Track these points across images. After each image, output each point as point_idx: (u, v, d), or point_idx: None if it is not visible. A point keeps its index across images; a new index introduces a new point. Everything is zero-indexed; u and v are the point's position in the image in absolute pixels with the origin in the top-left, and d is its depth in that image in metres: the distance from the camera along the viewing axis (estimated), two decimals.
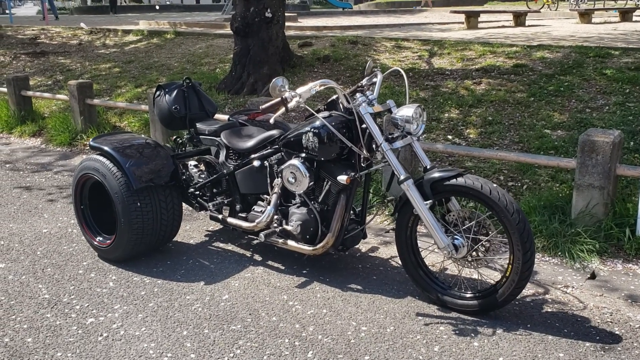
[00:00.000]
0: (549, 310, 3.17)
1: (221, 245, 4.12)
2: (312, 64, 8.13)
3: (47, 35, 13.12)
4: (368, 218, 3.66)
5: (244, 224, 3.73)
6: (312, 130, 3.30)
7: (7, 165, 6.29)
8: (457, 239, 3.09)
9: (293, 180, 3.40)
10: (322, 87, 3.21)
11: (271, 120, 3.27)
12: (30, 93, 7.74)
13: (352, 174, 3.24)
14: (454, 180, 3.03)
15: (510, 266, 2.98)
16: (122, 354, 2.82)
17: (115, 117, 7.42)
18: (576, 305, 3.22)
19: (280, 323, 3.07)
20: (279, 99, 3.12)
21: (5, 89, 7.90)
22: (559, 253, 3.78)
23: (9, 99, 7.90)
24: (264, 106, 3.19)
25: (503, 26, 13.18)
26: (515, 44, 8.44)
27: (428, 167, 3.26)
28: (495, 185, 2.98)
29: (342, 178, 3.23)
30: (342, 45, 9.18)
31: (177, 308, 3.24)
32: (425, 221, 3.07)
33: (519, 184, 4.65)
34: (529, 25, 13.28)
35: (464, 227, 3.08)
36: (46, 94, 7.67)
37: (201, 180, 4.04)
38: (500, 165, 4.90)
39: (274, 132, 3.73)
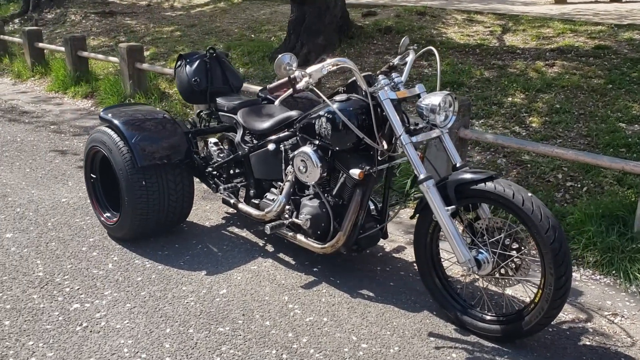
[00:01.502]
0: (588, 343, 2.67)
1: (236, 230, 3.83)
2: (372, 35, 7.63)
3: None
4: (390, 216, 3.24)
5: (254, 212, 3.42)
6: (325, 115, 2.91)
7: (52, 127, 6.27)
8: (481, 252, 2.64)
9: (304, 170, 3.03)
10: (336, 67, 2.80)
11: (276, 103, 2.91)
12: (85, 54, 7.71)
13: (367, 167, 2.84)
14: (482, 184, 2.56)
15: (540, 291, 2.51)
16: (95, 349, 2.59)
17: (165, 83, 7.26)
18: (623, 340, 2.71)
19: (273, 329, 2.75)
20: (286, 78, 2.74)
21: (63, 49, 7.91)
22: (613, 272, 3.23)
23: (66, 59, 7.92)
24: (270, 86, 2.82)
25: (597, 1, 12.02)
26: (602, 22, 7.58)
27: (458, 165, 2.81)
28: (530, 194, 2.49)
29: (355, 172, 2.83)
30: (408, 16, 8.59)
31: (168, 300, 2.99)
32: (444, 230, 2.63)
33: (579, 185, 4.07)
34: (627, 1, 12.05)
35: (491, 240, 2.62)
36: (100, 56, 7.61)
37: (220, 159, 3.75)
38: (560, 162, 4.31)
39: (293, 113, 3.37)
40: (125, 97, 6.94)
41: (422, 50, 3.13)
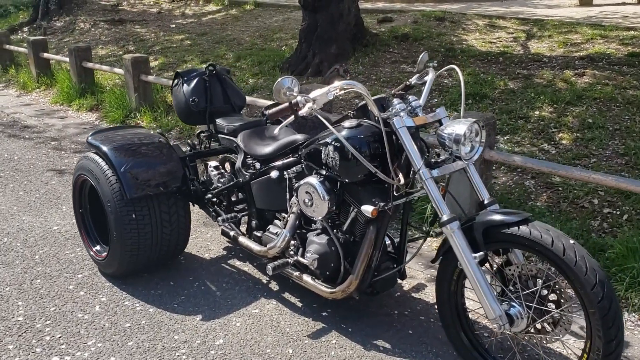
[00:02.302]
0: None
1: (237, 263, 3.49)
2: (387, 42, 7.26)
3: (129, 2, 12.99)
4: (408, 256, 2.88)
5: (255, 247, 3.07)
6: (332, 143, 2.55)
7: (52, 143, 5.99)
8: (514, 306, 2.27)
9: (309, 203, 2.68)
10: (344, 91, 2.44)
11: (275, 131, 2.57)
12: (90, 65, 7.45)
13: (381, 204, 2.48)
14: (515, 228, 2.19)
15: (585, 355, 2.13)
16: None
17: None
18: None
19: None
20: (287, 104, 2.40)
21: (68, 59, 7.66)
22: None
23: (71, 70, 7.66)
24: (270, 111, 2.48)
25: (624, 3, 11.52)
26: (634, 27, 7.13)
27: (486, 201, 2.44)
28: (572, 242, 2.11)
29: (368, 209, 2.47)
30: (426, 22, 8.21)
31: (157, 352, 2.65)
32: (471, 280, 2.26)
33: (618, 212, 3.66)
34: None
35: (525, 292, 2.25)
36: (105, 67, 7.34)
37: (220, 185, 3.41)
38: (595, 185, 3.91)
39: (299, 137, 3.02)
40: (130, 110, 6.66)
41: (443, 69, 2.77)
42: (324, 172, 2.66)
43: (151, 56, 8.83)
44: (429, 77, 2.72)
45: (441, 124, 2.53)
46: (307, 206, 2.70)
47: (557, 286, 2.22)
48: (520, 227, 2.19)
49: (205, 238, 3.82)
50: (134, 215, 3.03)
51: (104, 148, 3.11)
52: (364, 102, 2.52)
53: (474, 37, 7.42)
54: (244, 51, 8.10)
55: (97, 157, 3.15)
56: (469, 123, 2.32)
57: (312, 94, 2.39)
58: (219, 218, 3.24)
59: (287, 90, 2.38)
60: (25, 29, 11.66)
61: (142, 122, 6.40)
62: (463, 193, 3.59)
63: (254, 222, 3.24)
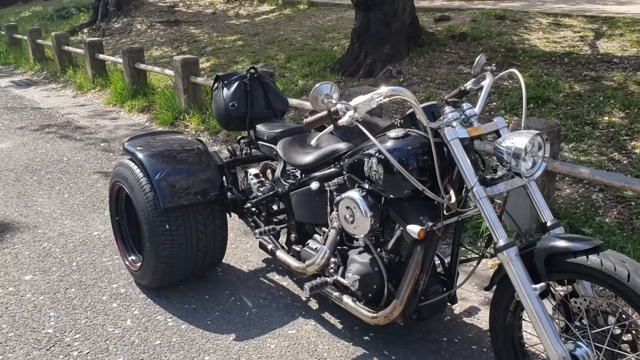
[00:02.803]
0: None
1: (276, 277, 3.30)
2: (444, 42, 6.93)
3: (185, 3, 13.07)
4: (460, 279, 2.61)
5: (293, 263, 2.87)
6: (376, 155, 2.32)
7: (102, 145, 5.99)
8: (580, 346, 1.97)
9: (350, 219, 2.46)
10: (389, 99, 2.20)
11: (312, 142, 2.35)
12: (142, 66, 7.45)
13: (429, 224, 2.23)
14: (584, 257, 1.90)
15: None
16: None
17: None
18: None
19: None
20: (325, 112, 2.18)
21: (121, 60, 7.70)
22: None
23: (124, 71, 7.70)
24: (307, 120, 2.27)
25: None
26: None
27: (549, 223, 2.16)
28: None
29: (414, 229, 2.23)
30: (485, 20, 7.82)
31: None
32: (530, 315, 1.98)
33: None
34: None
35: (595, 330, 1.95)
36: (156, 68, 7.32)
37: (260, 195, 3.23)
38: None
39: (342, 145, 2.81)
40: (179, 112, 6.60)
41: (502, 73, 2.48)
42: (366, 186, 2.43)
43: (203, 57, 8.81)
44: (486, 82, 2.45)
45: (499, 135, 2.26)
46: (348, 222, 2.48)
47: (633, 326, 1.92)
48: (590, 256, 1.89)
49: (245, 248, 3.65)
50: (167, 226, 2.89)
51: (139, 155, 2.98)
52: (413, 109, 2.28)
53: (537, 37, 7.00)
54: (295, 51, 7.94)
55: (132, 164, 3.03)
56: (530, 135, 2.04)
57: (354, 102, 2.17)
58: (256, 230, 3.06)
59: (326, 97, 2.16)
60: (85, 30, 11.90)
61: (191, 124, 6.33)
62: (522, 211, 3.30)
63: (293, 235, 3.04)
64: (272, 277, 3.31)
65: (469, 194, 2.11)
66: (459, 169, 2.14)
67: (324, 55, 7.39)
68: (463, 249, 2.55)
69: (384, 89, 2.18)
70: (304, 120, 2.31)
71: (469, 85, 2.56)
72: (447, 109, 2.21)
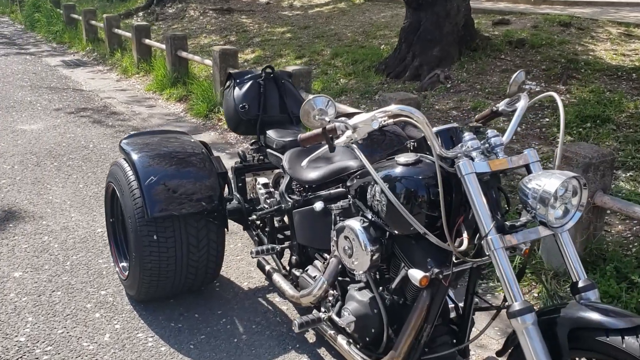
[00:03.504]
0: None
1: (276, 299, 2.99)
2: (499, 48, 6.44)
3: None
4: (473, 332, 2.23)
5: (288, 291, 2.56)
6: (383, 179, 1.98)
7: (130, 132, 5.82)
8: None
9: (349, 252, 2.12)
10: (395, 120, 1.85)
11: (303, 164, 2.03)
12: (184, 54, 7.27)
13: (435, 270, 1.87)
14: (618, 337, 1.51)
15: None
16: None
17: None
18: None
19: None
20: (319, 130, 1.86)
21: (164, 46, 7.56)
22: None
23: (166, 58, 7.55)
24: (302, 136, 1.96)
25: None
26: None
27: (580, 284, 1.76)
28: None
29: (416, 275, 1.88)
30: (548, 27, 7.25)
31: None
32: None
33: None
34: None
35: None
36: (197, 57, 7.13)
37: (266, 207, 2.93)
38: None
39: (352, 163, 2.47)
40: (215, 104, 6.38)
41: (539, 97, 2.09)
42: (370, 216, 2.09)
43: (249, 48, 8.59)
44: (520, 105, 2.06)
45: (529, 172, 1.87)
46: (347, 255, 2.15)
47: None
48: (626, 337, 1.50)
49: (250, 262, 3.36)
50: (155, 237, 2.63)
51: (133, 156, 2.73)
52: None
53: (604, 48, 6.41)
54: (342, 48, 7.60)
55: (125, 165, 2.78)
56: (564, 178, 1.64)
57: (353, 120, 1.83)
58: (253, 249, 2.75)
59: (319, 112, 1.83)
60: (141, 13, 11.91)
61: (224, 117, 6.09)
62: (549, 257, 2.88)
63: (294, 257, 2.73)
64: (272, 298, 3.01)
65: (483, 242, 1.74)
66: (473, 210, 1.77)
67: (370, 54, 7.01)
68: (477, 301, 2.17)
69: (390, 107, 1.83)
70: (299, 136, 1.99)
71: (502, 106, 2.18)
72: (467, 135, 1.84)
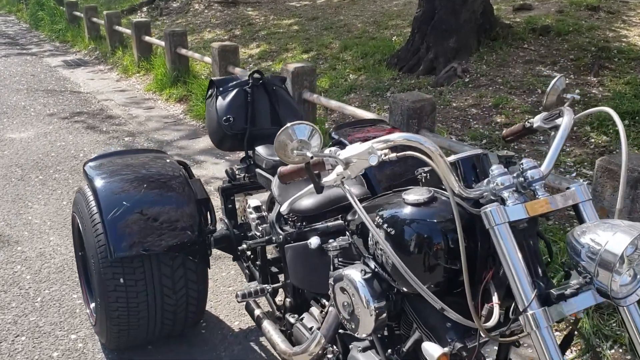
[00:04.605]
0: None
1: (268, 347, 2.57)
2: (522, 37, 5.92)
3: None
4: None
5: (279, 345, 2.13)
6: (386, 223, 1.54)
7: (126, 139, 5.44)
8: None
9: (348, 309, 1.69)
10: (398, 155, 1.40)
11: (282, 209, 1.62)
12: (184, 51, 6.85)
13: (458, 345, 1.44)
14: None
15: None
16: None
17: None
18: None
19: None
20: (302, 165, 1.43)
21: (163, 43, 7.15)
22: None
23: (166, 56, 7.14)
24: (282, 169, 1.54)
25: None
26: None
27: None
28: None
29: (432, 351, 1.45)
30: (574, 11, 6.70)
31: None
32: None
33: None
34: None
35: None
36: (196, 55, 6.70)
37: (257, 234, 2.50)
38: None
39: (356, 190, 2.06)
40: None
41: (588, 111, 1.63)
42: (372, 265, 1.65)
43: (254, 42, 8.16)
44: (564, 123, 1.60)
45: (578, 215, 1.42)
46: (346, 312, 1.71)
47: None
48: None
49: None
50: (122, 280, 2.22)
51: (96, 182, 2.32)
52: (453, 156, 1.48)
53: (638, 33, 5.87)
54: (351, 40, 7.12)
55: (88, 193, 2.37)
56: (635, 233, 1.19)
57: (345, 153, 1.39)
58: (238, 292, 2.33)
59: (299, 145, 1.38)
60: (145, 9, 11.51)
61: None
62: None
63: (288, 300, 2.31)
64: (266, 343, 2.59)
65: (521, 317, 1.30)
66: (503, 271, 1.33)
67: (382, 46, 6.53)
68: None
69: (393, 136, 1.39)
70: (279, 170, 1.56)
71: (537, 121, 1.72)
72: (496, 168, 1.39)
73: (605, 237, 1.21)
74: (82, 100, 6.95)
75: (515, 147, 3.97)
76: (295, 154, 1.37)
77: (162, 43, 7.22)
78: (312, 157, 1.35)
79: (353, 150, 1.38)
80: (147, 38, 7.90)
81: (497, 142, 4.18)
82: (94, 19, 10.18)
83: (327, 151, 1.42)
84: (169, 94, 6.79)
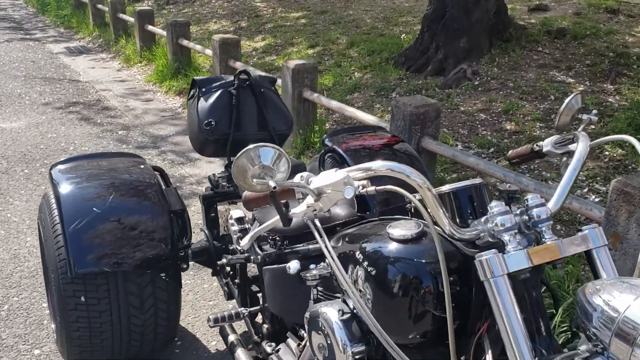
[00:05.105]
0: None
1: None
2: (537, 39, 5.66)
3: None
4: None
5: None
6: (367, 261, 1.34)
7: (120, 133, 5.24)
8: None
9: (324, 352, 1.48)
10: (377, 188, 1.18)
11: (243, 242, 1.41)
12: (185, 42, 6.64)
13: None
14: None
15: None
16: None
17: None
18: None
19: None
20: (266, 193, 1.22)
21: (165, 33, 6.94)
22: None
23: (167, 47, 6.94)
24: (247, 195, 1.33)
25: None
26: None
27: None
28: None
29: None
30: (592, 14, 6.42)
31: None
32: None
33: None
34: None
35: None
36: (198, 47, 6.48)
37: (239, 248, 2.30)
38: None
39: (341, 212, 1.85)
40: None
41: (605, 139, 1.41)
42: (352, 305, 1.44)
43: (260, 35, 7.93)
44: (579, 150, 1.38)
45: (591, 263, 1.20)
46: (320, 355, 1.51)
47: None
48: None
49: (223, 310, 2.74)
50: (83, 298, 2.02)
51: (60, 189, 2.12)
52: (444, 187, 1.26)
53: None
54: (359, 36, 6.89)
55: (52, 201, 2.16)
56: None
57: (316, 182, 1.18)
58: (210, 316, 2.13)
59: (262, 171, 1.17)
60: None
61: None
62: None
63: (265, 326, 2.10)
64: None
65: None
66: (500, 330, 1.12)
67: (390, 44, 6.29)
68: None
69: (375, 164, 1.17)
70: (243, 195, 1.35)
71: (547, 145, 1.51)
72: (495, 206, 1.17)
73: (624, 301, 0.99)
74: (80, 89, 6.76)
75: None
76: (255, 182, 1.15)
77: (165, 33, 7.02)
78: (274, 188, 1.13)
79: (326, 179, 1.16)
80: (150, 27, 7.70)
81: (505, 151, 3.94)
82: (99, 6, 9.99)
83: (296, 178, 1.20)
84: (169, 86, 6.59)
